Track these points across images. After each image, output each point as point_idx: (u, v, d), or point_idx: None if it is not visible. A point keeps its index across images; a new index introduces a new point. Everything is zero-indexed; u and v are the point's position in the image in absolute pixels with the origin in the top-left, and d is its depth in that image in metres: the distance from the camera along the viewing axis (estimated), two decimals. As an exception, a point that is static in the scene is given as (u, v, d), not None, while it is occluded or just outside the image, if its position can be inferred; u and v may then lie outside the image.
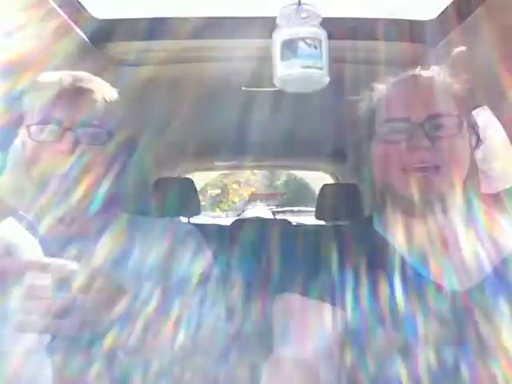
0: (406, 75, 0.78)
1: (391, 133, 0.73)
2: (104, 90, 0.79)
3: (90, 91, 0.76)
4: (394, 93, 0.77)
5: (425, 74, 0.77)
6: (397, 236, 0.78)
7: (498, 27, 0.96)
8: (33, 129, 0.74)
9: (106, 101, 0.77)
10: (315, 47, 0.69)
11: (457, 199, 0.75)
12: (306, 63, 0.68)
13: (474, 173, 0.77)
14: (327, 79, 0.72)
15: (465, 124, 0.73)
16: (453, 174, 0.72)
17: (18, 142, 0.76)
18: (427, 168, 0.70)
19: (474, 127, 0.78)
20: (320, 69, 0.69)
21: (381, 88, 0.79)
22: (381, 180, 0.77)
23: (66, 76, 0.76)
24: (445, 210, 0.75)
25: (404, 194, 0.73)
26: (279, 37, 0.69)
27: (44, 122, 0.73)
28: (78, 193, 0.72)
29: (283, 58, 0.69)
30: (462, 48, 0.81)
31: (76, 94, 0.75)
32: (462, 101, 0.76)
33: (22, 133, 0.75)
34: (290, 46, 0.69)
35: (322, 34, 0.70)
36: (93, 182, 0.74)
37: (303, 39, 0.68)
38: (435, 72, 0.77)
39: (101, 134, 0.75)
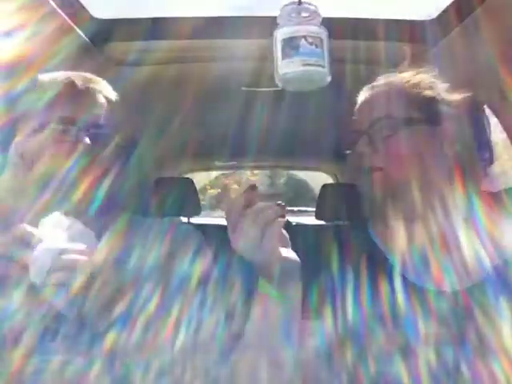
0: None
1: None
2: (108, 92, 0.80)
3: (98, 92, 0.78)
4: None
5: (384, 80, 0.80)
6: (392, 238, 0.78)
7: (498, 27, 0.96)
8: (36, 127, 0.74)
9: (109, 102, 0.79)
10: (316, 45, 0.68)
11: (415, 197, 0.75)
12: (307, 61, 0.68)
13: (474, 173, 0.77)
14: (329, 78, 0.72)
15: (402, 123, 0.74)
16: (398, 173, 0.73)
17: (17, 141, 0.76)
18: (373, 169, 0.75)
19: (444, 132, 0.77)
20: (322, 67, 0.69)
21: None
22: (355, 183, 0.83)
23: (76, 76, 0.77)
24: (433, 211, 0.75)
25: (365, 194, 0.79)
26: (280, 35, 0.69)
27: (48, 120, 0.74)
28: (79, 193, 0.72)
29: (285, 56, 0.69)
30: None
31: (85, 93, 0.76)
32: (426, 103, 0.76)
33: (23, 132, 0.75)
34: (291, 44, 0.68)
35: (323, 32, 0.70)
36: (93, 182, 0.74)
37: (305, 37, 0.68)
38: (398, 78, 0.79)
39: (104, 135, 0.76)
